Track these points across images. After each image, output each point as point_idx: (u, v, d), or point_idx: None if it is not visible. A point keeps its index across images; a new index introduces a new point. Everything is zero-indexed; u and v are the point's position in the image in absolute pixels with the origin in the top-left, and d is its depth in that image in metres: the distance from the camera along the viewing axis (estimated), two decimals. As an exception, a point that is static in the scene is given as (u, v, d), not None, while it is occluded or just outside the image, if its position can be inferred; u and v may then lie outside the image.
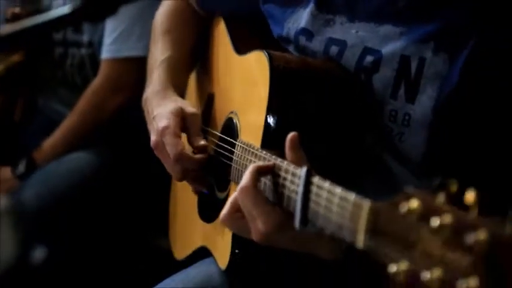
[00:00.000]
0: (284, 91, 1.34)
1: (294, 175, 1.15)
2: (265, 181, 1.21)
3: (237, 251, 1.39)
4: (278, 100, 1.33)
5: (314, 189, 1.10)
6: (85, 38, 2.32)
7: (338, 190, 1.05)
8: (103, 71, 2.26)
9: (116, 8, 1.03)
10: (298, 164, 1.17)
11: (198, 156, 1.48)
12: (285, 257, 1.35)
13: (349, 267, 1.23)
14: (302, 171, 1.12)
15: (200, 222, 1.58)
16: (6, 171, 2.26)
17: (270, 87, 1.33)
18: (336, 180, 1.30)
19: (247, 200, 1.18)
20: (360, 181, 1.37)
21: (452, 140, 1.30)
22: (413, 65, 1.31)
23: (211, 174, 1.52)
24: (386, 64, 1.33)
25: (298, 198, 1.11)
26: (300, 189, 1.11)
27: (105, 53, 2.25)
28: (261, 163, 1.22)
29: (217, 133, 1.54)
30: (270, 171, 1.20)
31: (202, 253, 1.57)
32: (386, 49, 1.34)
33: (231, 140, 1.45)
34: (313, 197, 1.10)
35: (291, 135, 1.18)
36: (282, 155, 1.22)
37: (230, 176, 1.42)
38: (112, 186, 2.29)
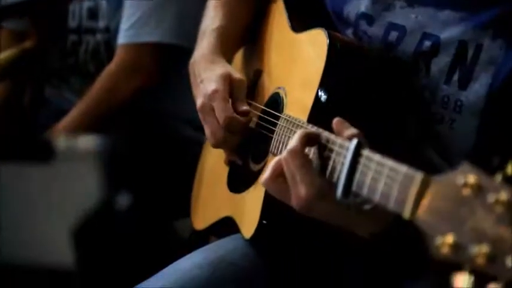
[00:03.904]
0: (339, 70, 1.36)
1: (342, 147, 1.15)
2: (312, 150, 1.21)
3: (264, 222, 1.41)
4: (331, 78, 1.34)
5: (362, 160, 1.11)
6: (101, 24, 2.31)
7: (389, 162, 1.06)
8: (119, 55, 2.24)
9: None
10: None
11: (245, 120, 1.49)
12: (312, 233, 1.37)
13: (382, 246, 1.24)
14: (352, 143, 1.13)
15: (228, 193, 1.60)
16: (15, 157, 2.24)
17: (326, 65, 1.34)
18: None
19: (294, 162, 1.17)
20: None
21: (504, 130, 1.30)
22: (470, 51, 1.31)
23: (249, 145, 1.53)
24: (444, 49, 1.34)
25: (345, 169, 1.12)
26: (348, 160, 1.12)
27: (122, 39, 2.24)
28: (309, 130, 1.23)
29: (261, 106, 1.55)
30: (318, 139, 1.20)
31: (223, 228, 1.59)
32: (445, 34, 1.34)
33: (275, 113, 1.46)
34: (360, 167, 1.11)
35: (336, 119, 1.19)
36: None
37: (270, 148, 1.44)
38: (123, 173, 2.26)
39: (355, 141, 1.13)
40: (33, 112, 2.47)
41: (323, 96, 1.34)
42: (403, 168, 1.02)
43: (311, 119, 1.34)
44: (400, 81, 1.38)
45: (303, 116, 1.35)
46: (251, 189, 1.50)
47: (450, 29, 1.33)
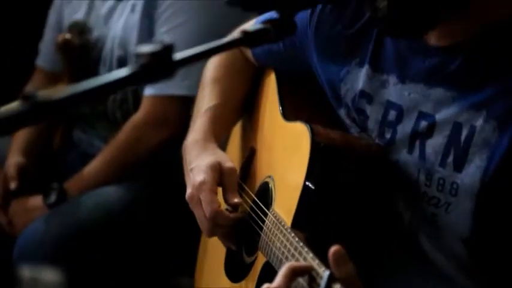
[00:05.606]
0: (323, 171, 1.33)
1: (321, 278, 1.14)
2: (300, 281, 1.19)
3: None
4: (315, 179, 1.32)
5: None
6: (129, 74, 2.30)
7: None
8: (145, 106, 2.22)
9: (173, 72, 1.01)
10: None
11: (232, 215, 1.47)
12: None
13: None
14: (325, 274, 1.12)
15: (225, 278, 1.58)
16: (37, 200, 2.25)
17: (309, 166, 1.32)
18: (369, 258, 1.30)
19: None
20: (391, 261, 1.37)
21: (499, 215, 1.26)
22: (464, 133, 1.27)
23: (242, 234, 1.51)
24: (438, 130, 1.30)
25: None
26: None
27: (148, 90, 2.22)
28: (295, 264, 1.21)
29: (252, 195, 1.52)
30: (306, 272, 1.18)
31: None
32: (440, 115, 1.31)
33: (264, 208, 1.44)
34: None
35: (334, 250, 1.14)
36: (309, 239, 1.24)
37: (258, 244, 1.42)
38: (140, 223, 2.26)
39: (327, 273, 1.12)
40: (62, 155, 2.49)
41: (307, 199, 1.32)
42: None
43: (295, 222, 1.32)
44: (388, 176, 1.35)
45: (288, 217, 1.34)
46: (244, 283, 1.49)
47: (445, 108, 1.30)
